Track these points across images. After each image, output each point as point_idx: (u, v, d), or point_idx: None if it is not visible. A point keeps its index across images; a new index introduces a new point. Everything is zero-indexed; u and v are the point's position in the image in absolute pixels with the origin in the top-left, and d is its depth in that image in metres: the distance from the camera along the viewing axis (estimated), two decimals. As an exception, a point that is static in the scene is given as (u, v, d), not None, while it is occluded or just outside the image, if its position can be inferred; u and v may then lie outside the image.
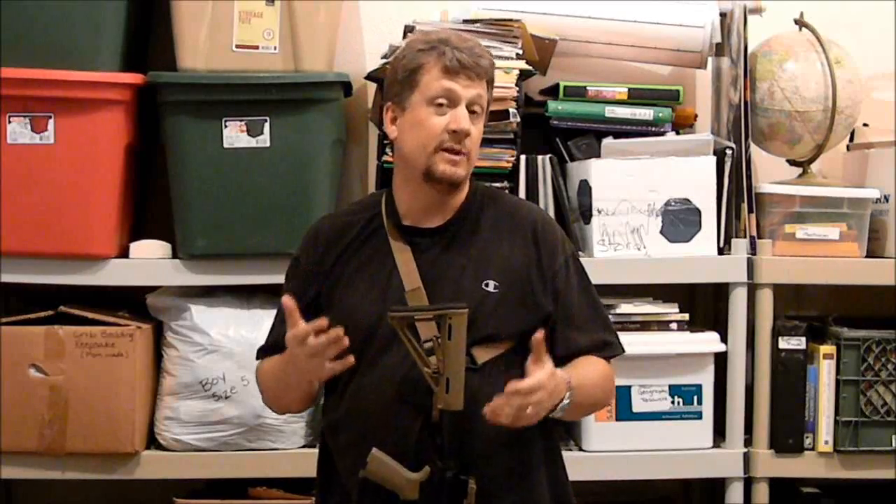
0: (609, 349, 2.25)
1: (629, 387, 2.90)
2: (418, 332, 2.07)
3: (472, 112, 2.15)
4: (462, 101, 2.14)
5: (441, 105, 2.13)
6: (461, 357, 2.03)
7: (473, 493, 2.06)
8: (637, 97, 3.04)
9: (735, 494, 2.97)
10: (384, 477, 2.07)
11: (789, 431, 2.96)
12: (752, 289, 2.95)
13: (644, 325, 2.95)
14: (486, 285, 2.15)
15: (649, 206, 2.93)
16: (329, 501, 2.23)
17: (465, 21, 2.93)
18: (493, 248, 2.19)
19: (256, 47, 2.91)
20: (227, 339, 2.91)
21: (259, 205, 2.90)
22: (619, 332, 2.30)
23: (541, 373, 2.00)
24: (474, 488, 2.06)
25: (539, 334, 2.02)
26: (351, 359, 2.04)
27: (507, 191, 2.83)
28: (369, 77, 3.01)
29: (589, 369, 2.18)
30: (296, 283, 2.25)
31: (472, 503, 2.06)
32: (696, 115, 3.20)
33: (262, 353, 2.29)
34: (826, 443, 2.97)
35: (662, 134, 3.02)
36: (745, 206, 2.96)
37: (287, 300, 2.06)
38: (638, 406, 2.94)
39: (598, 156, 2.98)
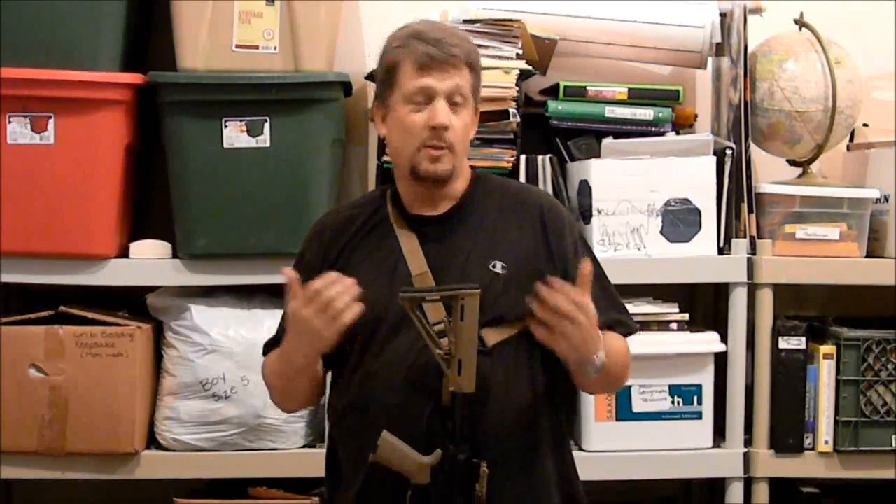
0: (623, 327, 2.24)
1: (629, 387, 2.89)
2: (427, 314, 2.06)
3: (453, 103, 2.13)
4: (439, 95, 2.11)
5: (419, 102, 2.12)
6: (473, 339, 2.02)
7: (486, 476, 2.03)
8: (637, 97, 3.04)
9: (735, 494, 2.97)
10: (395, 461, 2.04)
11: (789, 431, 2.96)
12: (752, 289, 2.95)
13: (644, 325, 2.93)
14: (494, 266, 2.14)
15: (649, 206, 2.93)
16: (337, 490, 2.22)
17: (465, 21, 2.93)
18: (499, 232, 2.18)
19: (256, 47, 2.91)
20: (227, 339, 2.91)
21: (259, 205, 2.90)
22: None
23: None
24: (486, 472, 2.03)
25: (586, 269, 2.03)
26: (361, 305, 2.01)
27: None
28: (369, 77, 3.01)
29: (612, 339, 2.17)
30: (301, 277, 2.23)
31: (484, 486, 2.03)
32: (696, 115, 3.20)
33: (267, 347, 2.28)
34: (826, 443, 2.97)
35: (662, 134, 3.02)
36: (745, 206, 2.96)
37: (289, 271, 2.04)
38: (638, 406, 2.94)
39: (598, 156, 2.98)
